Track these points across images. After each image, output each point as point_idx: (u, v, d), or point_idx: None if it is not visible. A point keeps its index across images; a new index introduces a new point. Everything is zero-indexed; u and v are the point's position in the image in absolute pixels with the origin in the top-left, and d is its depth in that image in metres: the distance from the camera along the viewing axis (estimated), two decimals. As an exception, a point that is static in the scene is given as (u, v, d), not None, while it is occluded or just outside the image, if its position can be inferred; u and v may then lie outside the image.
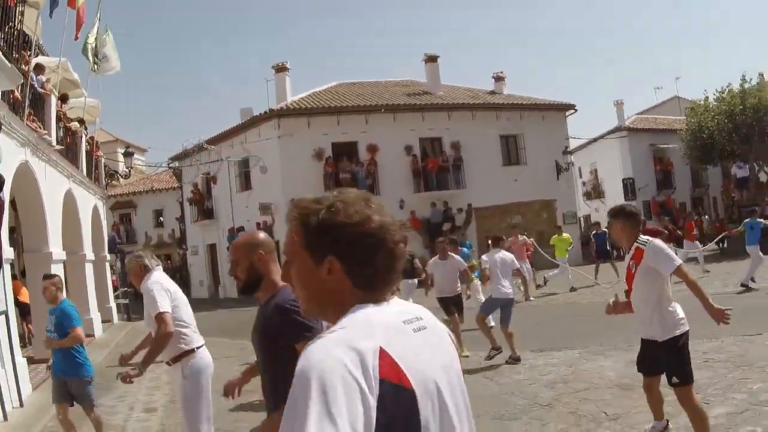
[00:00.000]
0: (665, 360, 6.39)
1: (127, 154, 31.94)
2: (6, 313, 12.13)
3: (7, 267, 12.26)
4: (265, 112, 34.59)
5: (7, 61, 11.19)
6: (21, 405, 11.62)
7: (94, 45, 21.74)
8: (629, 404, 8.41)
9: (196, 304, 23.92)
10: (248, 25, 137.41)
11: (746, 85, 35.07)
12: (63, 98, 20.56)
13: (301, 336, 3.66)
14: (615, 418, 8.06)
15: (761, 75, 37.06)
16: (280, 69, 36.65)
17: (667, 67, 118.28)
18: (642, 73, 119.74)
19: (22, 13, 12.82)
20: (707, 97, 38.33)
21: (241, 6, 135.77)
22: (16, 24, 12.36)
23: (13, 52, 11.74)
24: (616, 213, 6.96)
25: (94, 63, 21.98)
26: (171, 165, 41.82)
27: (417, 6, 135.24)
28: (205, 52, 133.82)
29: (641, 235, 6.63)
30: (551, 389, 9.90)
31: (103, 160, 29.70)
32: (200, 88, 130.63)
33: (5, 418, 10.71)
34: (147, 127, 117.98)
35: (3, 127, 11.75)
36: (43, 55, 20.30)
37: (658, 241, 6.59)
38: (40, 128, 16.61)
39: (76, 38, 19.55)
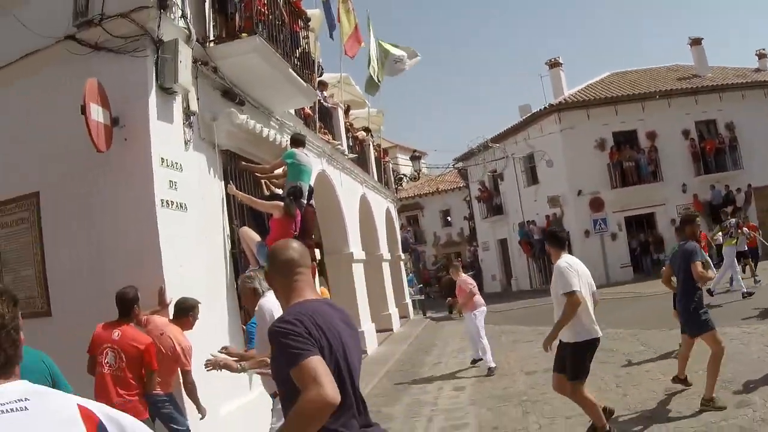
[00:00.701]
0: None
1: (414, 158, 33.28)
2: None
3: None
4: (545, 107, 34.81)
5: (303, 81, 12.16)
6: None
7: (376, 64, 22.63)
8: None
9: (490, 297, 24.81)
10: (518, 25, 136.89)
11: None
12: (346, 111, 21.68)
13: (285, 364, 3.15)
14: None
15: None
16: (554, 65, 36.82)
17: None
18: None
19: (307, 37, 13.77)
20: None
21: (508, 7, 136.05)
22: (303, 46, 13.32)
23: (304, 72, 12.67)
24: None
25: (377, 79, 22.76)
26: (456, 165, 42.91)
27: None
28: (475, 53, 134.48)
29: None
30: None
31: (390, 166, 31.04)
32: (472, 89, 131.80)
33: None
34: (423, 131, 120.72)
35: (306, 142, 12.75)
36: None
37: None
38: (332, 140, 17.79)
39: (347, 54, 20.30)
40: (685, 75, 37.98)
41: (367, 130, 25.07)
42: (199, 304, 7.71)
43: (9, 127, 8.95)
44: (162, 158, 8.17)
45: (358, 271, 19.16)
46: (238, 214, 10.87)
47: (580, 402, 7.97)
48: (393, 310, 24.31)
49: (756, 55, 40.11)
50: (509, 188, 39.31)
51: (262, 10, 10.84)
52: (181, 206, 8.46)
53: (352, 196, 19.93)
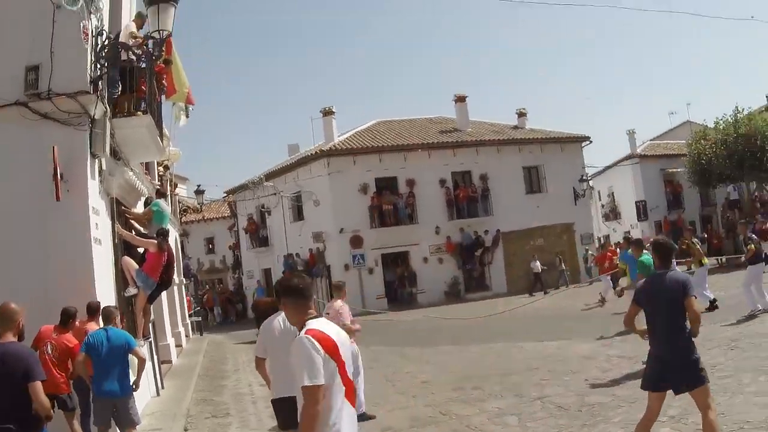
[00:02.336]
0: None
1: (199, 192, 36.02)
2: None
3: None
4: (316, 152, 38.64)
5: (161, 141, 15.16)
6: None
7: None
8: None
9: (251, 323, 27.78)
10: (288, 66, 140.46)
11: (739, 115, 37.08)
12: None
13: None
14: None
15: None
16: (327, 113, 40.19)
17: (679, 94, 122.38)
18: (656, 100, 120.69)
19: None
20: (707, 126, 40.91)
21: (278, 51, 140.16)
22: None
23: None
24: None
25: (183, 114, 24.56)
26: (227, 198, 45.70)
27: (443, 48, 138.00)
28: (247, 90, 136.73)
29: None
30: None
31: (178, 198, 33.68)
32: (244, 128, 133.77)
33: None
34: (199, 164, 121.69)
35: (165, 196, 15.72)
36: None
37: None
38: (151, 180, 20.58)
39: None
40: (447, 128, 42.82)
41: (165, 167, 27.75)
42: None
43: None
44: (93, 207, 11.10)
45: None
46: (120, 247, 13.78)
47: None
48: (181, 328, 27.02)
49: (516, 113, 45.69)
50: (276, 222, 42.46)
51: (144, 89, 13.84)
52: (100, 242, 11.43)
53: (158, 226, 22.60)
